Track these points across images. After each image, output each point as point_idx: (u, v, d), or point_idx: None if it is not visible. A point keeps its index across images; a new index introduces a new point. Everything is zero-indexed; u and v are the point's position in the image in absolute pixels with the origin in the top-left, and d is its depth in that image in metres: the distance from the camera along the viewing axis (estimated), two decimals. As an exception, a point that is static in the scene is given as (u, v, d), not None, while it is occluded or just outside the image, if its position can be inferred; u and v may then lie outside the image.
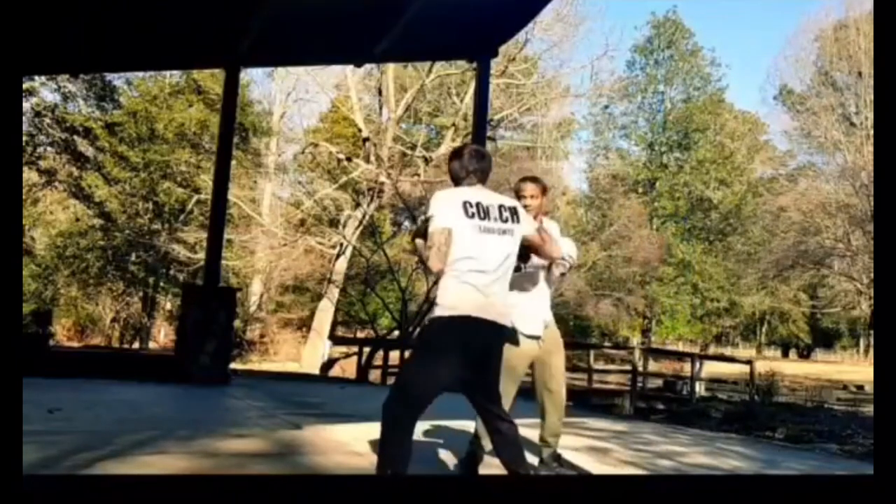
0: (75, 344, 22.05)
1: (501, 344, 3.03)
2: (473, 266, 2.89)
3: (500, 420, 2.97)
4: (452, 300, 2.88)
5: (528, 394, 3.91)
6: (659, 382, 17.68)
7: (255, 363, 20.99)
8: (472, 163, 3.03)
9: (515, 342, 3.53)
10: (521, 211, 3.03)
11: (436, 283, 3.00)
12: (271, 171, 25.48)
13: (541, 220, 3.62)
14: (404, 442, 2.81)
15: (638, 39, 40.93)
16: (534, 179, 3.90)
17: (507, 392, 3.66)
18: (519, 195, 3.71)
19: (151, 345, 24.69)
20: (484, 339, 2.92)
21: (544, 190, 3.86)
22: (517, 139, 28.09)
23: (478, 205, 2.93)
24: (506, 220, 2.95)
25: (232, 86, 9.51)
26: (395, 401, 2.86)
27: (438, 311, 2.91)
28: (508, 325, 3.02)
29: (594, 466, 4.33)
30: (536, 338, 3.75)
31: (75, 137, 22.76)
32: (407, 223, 26.25)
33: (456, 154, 3.11)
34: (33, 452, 3.24)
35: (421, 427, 4.69)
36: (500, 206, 2.97)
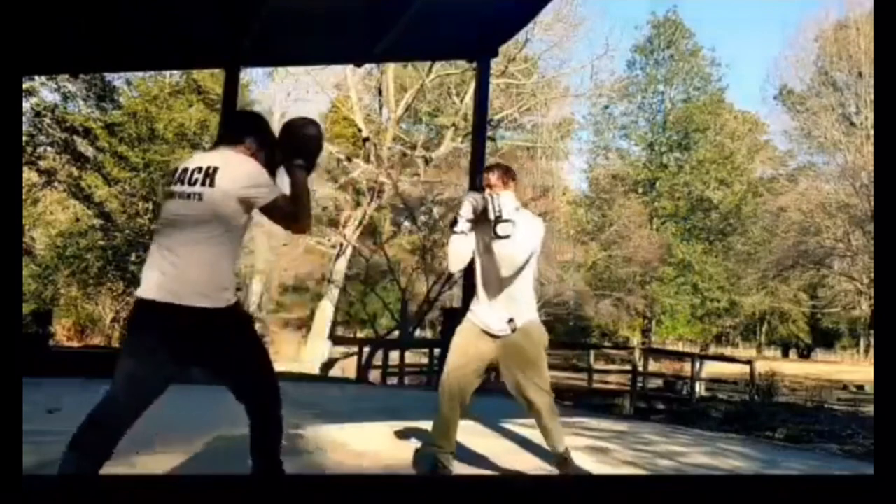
0: (75, 344, 22.04)
1: (221, 326, 2.53)
2: (158, 236, 2.58)
3: (256, 415, 2.77)
4: (142, 281, 2.54)
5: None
6: (659, 382, 17.70)
7: (255, 363, 20.94)
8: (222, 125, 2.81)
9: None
10: (227, 172, 2.50)
11: None
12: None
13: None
14: (103, 444, 2.56)
15: (638, 39, 40.95)
16: (496, 168, 3.59)
17: (451, 388, 3.43)
18: (483, 186, 3.50)
19: (151, 345, 24.65)
20: (178, 327, 2.47)
21: (505, 177, 3.48)
22: (517, 139, 28.09)
23: (184, 169, 2.58)
24: (194, 183, 2.50)
25: (232, 86, 9.51)
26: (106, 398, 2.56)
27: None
28: (215, 305, 2.50)
29: (594, 466, 4.33)
30: (495, 336, 3.46)
31: (75, 137, 22.76)
32: (407, 223, 26.27)
33: None
34: (33, 452, 3.24)
35: (416, 427, 4.69)
36: (198, 168, 2.54)
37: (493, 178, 3.45)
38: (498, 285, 3.43)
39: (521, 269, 3.38)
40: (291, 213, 2.58)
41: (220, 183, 2.49)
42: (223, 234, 2.51)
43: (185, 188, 2.53)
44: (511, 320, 3.42)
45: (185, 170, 2.58)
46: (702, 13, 61.88)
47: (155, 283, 2.50)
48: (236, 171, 2.53)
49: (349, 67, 20.87)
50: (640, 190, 38.93)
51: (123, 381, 2.53)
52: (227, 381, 2.73)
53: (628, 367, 17.37)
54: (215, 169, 2.52)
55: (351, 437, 4.49)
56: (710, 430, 7.87)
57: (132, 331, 2.66)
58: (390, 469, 3.83)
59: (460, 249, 3.42)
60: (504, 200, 3.33)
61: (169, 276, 2.48)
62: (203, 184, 2.50)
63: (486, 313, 3.47)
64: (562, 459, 3.59)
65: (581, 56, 60.73)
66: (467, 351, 3.47)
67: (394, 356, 13.88)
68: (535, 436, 3.89)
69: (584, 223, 34.31)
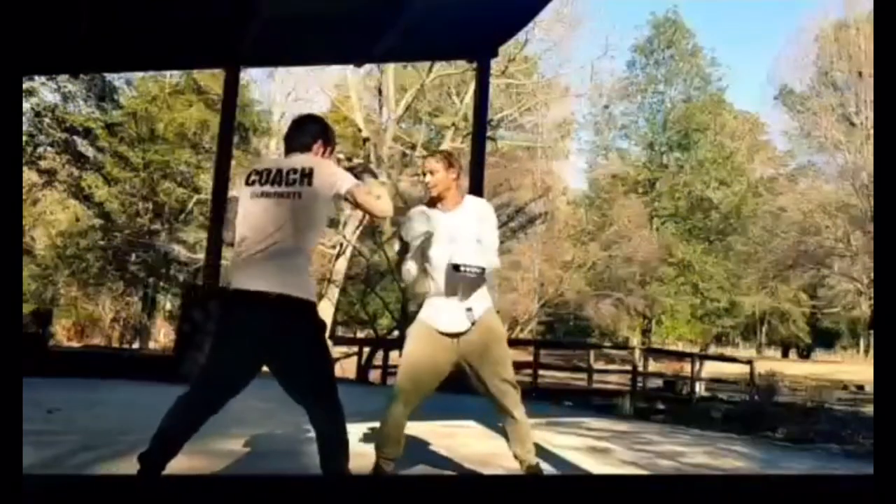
0: (75, 344, 22.04)
1: (294, 321, 2.67)
2: (246, 233, 2.76)
3: (325, 423, 2.79)
4: (230, 276, 2.82)
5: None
6: (659, 382, 17.70)
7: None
8: (288, 133, 2.99)
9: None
10: (319, 173, 2.74)
11: None
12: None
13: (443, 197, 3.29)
14: (177, 437, 2.71)
15: (638, 39, 40.88)
16: (436, 153, 3.47)
17: (407, 396, 3.22)
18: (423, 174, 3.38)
19: (151, 345, 24.68)
20: (256, 314, 2.65)
21: (448, 164, 3.30)
22: (517, 139, 28.08)
23: (266, 171, 2.81)
24: (292, 183, 2.72)
25: (232, 86, 9.52)
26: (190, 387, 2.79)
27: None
28: (300, 297, 2.67)
29: (594, 466, 4.33)
30: (454, 335, 3.21)
31: (75, 137, 22.78)
32: (407, 223, 26.20)
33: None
34: (33, 452, 3.24)
35: (416, 427, 4.69)
36: (291, 170, 2.77)
37: (433, 164, 3.33)
38: (449, 279, 3.20)
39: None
40: (368, 198, 2.76)
41: (315, 182, 2.73)
42: (312, 230, 2.78)
43: (283, 188, 2.74)
44: (470, 310, 3.18)
45: (280, 171, 2.79)
46: (702, 13, 61.86)
47: (248, 275, 2.70)
48: (327, 170, 2.80)
49: (349, 67, 20.82)
50: (640, 190, 38.90)
51: (211, 368, 2.80)
52: (292, 383, 2.80)
53: (628, 367, 17.39)
54: (311, 170, 2.75)
55: (351, 438, 4.48)
56: (710, 430, 7.87)
57: (223, 321, 2.87)
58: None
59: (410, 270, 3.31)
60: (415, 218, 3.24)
61: (262, 268, 2.67)
62: (301, 183, 2.72)
63: (442, 310, 3.24)
64: (535, 471, 3.29)
65: (581, 56, 60.75)
66: (421, 356, 3.25)
67: (394, 356, 13.88)
68: (538, 436, 3.87)
69: (584, 223, 34.29)
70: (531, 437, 3.32)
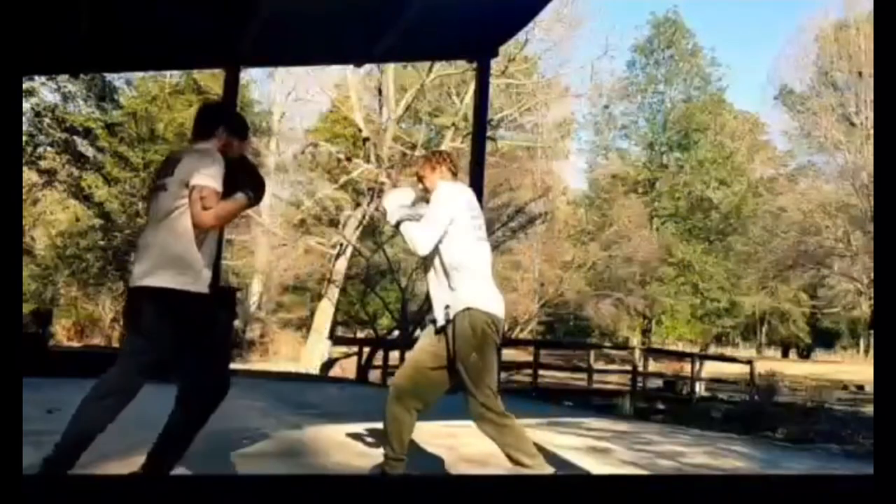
0: (75, 344, 22.03)
1: (159, 306, 2.72)
2: (144, 228, 2.88)
3: (177, 409, 2.90)
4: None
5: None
6: (659, 382, 17.70)
7: (255, 363, 20.98)
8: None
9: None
10: (184, 162, 2.75)
11: None
12: (271, 171, 25.50)
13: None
14: (94, 419, 2.85)
15: (638, 39, 40.88)
16: (422, 157, 3.64)
17: (400, 392, 3.23)
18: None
19: (151, 345, 24.64)
20: (137, 300, 2.78)
21: (431, 166, 3.45)
22: (517, 139, 28.08)
23: (162, 164, 2.92)
24: (164, 175, 2.79)
25: (232, 86, 9.51)
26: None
27: None
28: (165, 286, 2.70)
29: (594, 466, 4.33)
30: (438, 330, 3.20)
31: (75, 137, 22.76)
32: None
33: None
34: (33, 452, 3.24)
35: (417, 427, 4.69)
36: (172, 160, 2.84)
37: (420, 169, 3.48)
38: (432, 274, 3.30)
39: (436, 248, 3.23)
40: (195, 204, 2.69)
41: (177, 172, 2.73)
42: (177, 221, 2.71)
43: (158, 181, 2.81)
44: (447, 307, 3.16)
45: (166, 161, 2.88)
46: (702, 13, 61.84)
47: (135, 271, 2.80)
48: (192, 158, 2.76)
49: (349, 67, 20.83)
50: (640, 190, 38.89)
51: (118, 364, 2.92)
52: (178, 364, 2.89)
53: (628, 367, 17.40)
54: (178, 160, 2.78)
55: (351, 438, 4.49)
56: (710, 430, 7.87)
57: (126, 315, 2.96)
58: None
59: (413, 231, 3.34)
60: (392, 198, 3.42)
61: (146, 262, 2.74)
62: (167, 175, 2.75)
63: (434, 306, 3.29)
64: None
65: (581, 56, 60.59)
66: (419, 350, 3.30)
67: (394, 356, 13.88)
68: (537, 436, 3.87)
69: (584, 223, 34.30)
70: (528, 438, 3.19)
